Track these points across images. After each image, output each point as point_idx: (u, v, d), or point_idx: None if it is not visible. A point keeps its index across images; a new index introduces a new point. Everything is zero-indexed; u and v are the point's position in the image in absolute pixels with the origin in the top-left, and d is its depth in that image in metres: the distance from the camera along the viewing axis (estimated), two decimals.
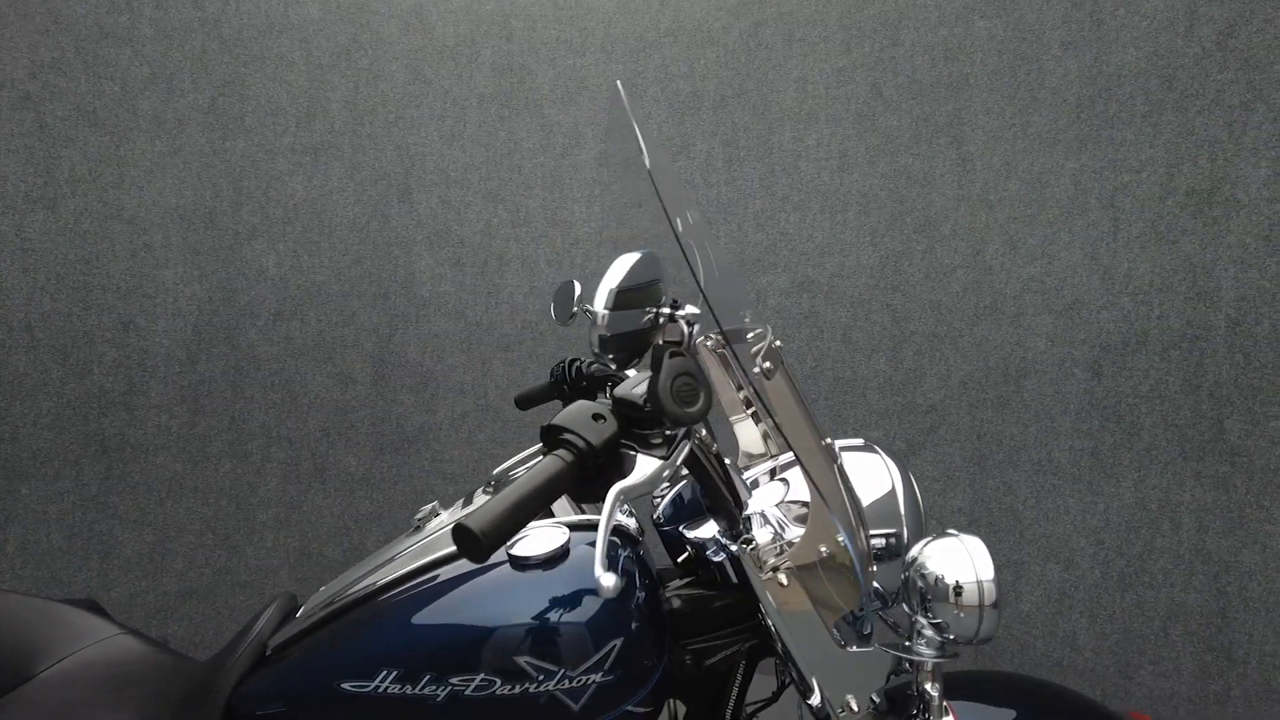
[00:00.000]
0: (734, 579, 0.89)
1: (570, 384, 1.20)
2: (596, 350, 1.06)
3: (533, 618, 0.78)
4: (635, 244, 1.14)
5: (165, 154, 2.07)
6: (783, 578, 0.79)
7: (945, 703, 0.76)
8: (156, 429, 2.08)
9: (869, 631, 0.79)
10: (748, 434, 1.08)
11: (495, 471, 1.05)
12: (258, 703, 0.82)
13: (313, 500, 2.26)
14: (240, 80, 2.16)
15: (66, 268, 1.97)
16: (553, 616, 0.78)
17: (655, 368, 0.71)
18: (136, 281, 2.05)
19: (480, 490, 1.01)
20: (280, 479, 2.22)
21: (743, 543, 0.82)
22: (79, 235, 1.98)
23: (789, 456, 0.92)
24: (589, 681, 0.77)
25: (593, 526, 0.90)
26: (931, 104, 2.01)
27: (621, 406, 0.76)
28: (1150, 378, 1.65)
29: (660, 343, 0.70)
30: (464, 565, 0.84)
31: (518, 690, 0.76)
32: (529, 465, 0.99)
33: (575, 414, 0.75)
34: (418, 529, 0.96)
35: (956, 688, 0.90)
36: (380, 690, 0.77)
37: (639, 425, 0.75)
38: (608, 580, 0.67)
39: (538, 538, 0.84)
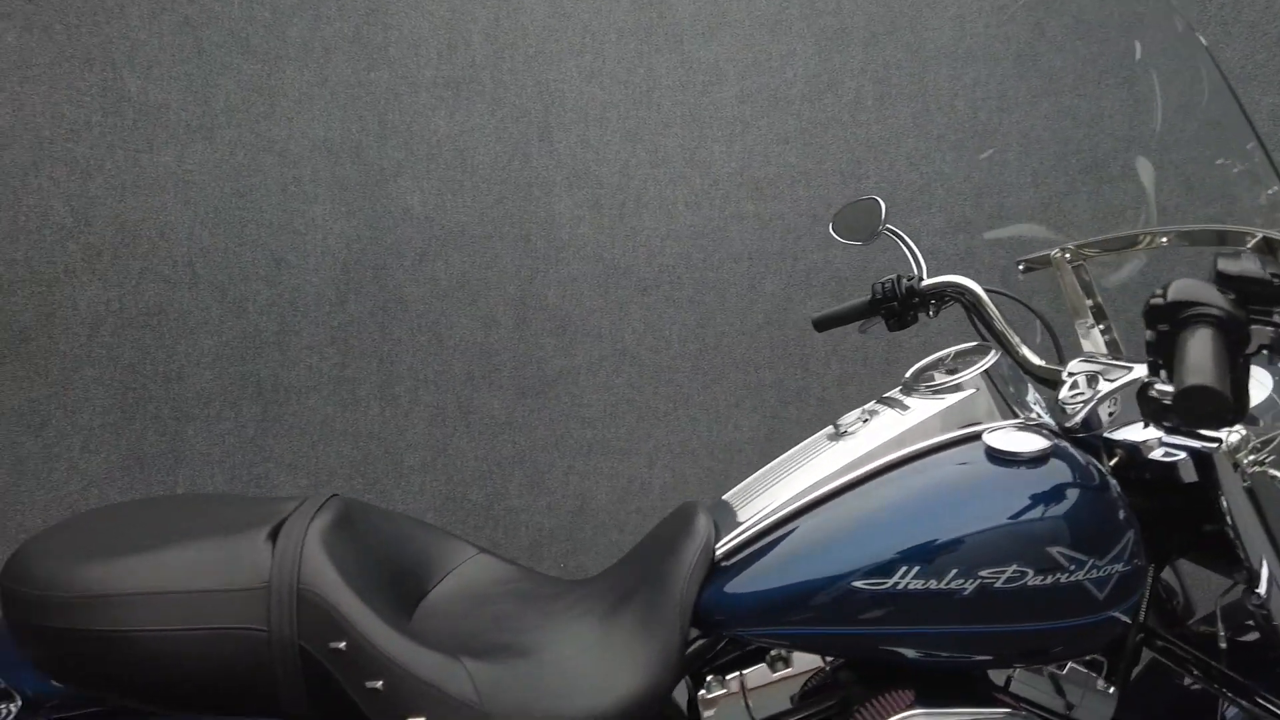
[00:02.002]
0: (1180, 480, 0.88)
1: (901, 300, 1.19)
2: None
3: (1055, 511, 0.78)
4: None
5: (313, 84, 1.99)
6: (1275, 471, 0.80)
7: None
8: (308, 370, 2.03)
9: None
10: (1094, 341, 1.10)
11: (908, 374, 1.04)
12: (725, 610, 0.82)
13: (458, 444, 2.23)
14: (384, 8, 2.07)
15: (223, 201, 1.90)
16: (1073, 509, 0.78)
17: None
18: (287, 217, 1.98)
19: (897, 391, 1.01)
20: (427, 422, 2.19)
21: (1210, 440, 0.82)
22: (234, 168, 1.91)
23: None
24: (1113, 571, 0.77)
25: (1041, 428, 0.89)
26: (1102, 43, 1.99)
27: (1240, 283, 0.73)
28: None
29: None
30: (940, 461, 0.84)
31: (1049, 580, 0.76)
32: (955, 365, 0.99)
33: (1195, 288, 0.73)
34: (842, 434, 0.95)
35: None
36: (900, 586, 0.77)
37: (1255, 300, 0.73)
38: None
39: (1012, 437, 0.84)
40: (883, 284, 1.21)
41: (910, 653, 0.79)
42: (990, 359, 0.96)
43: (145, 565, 0.72)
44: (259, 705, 0.72)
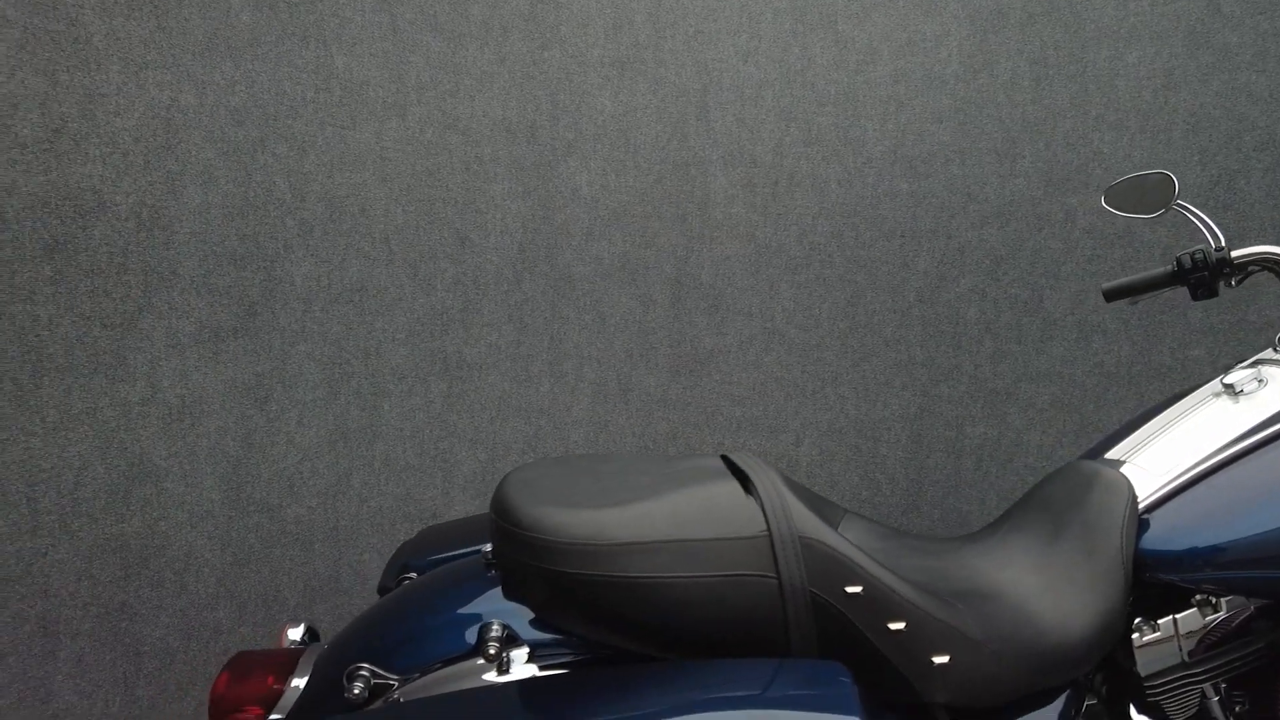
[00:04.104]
0: None
1: (1211, 270, 1.21)
2: None
3: None
4: None
5: (493, 62, 2.01)
6: None
7: None
8: (488, 348, 2.05)
9: None
10: None
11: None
12: (1158, 558, 0.85)
13: (618, 420, 2.25)
14: None
15: (415, 179, 1.91)
16: None
17: None
18: (470, 196, 2.00)
19: (1270, 352, 1.04)
20: (591, 399, 2.21)
21: None
22: (423, 145, 1.92)
23: None
24: None
25: None
26: None
27: None
28: None
29: None
30: None
31: None
32: None
33: None
34: (1238, 392, 0.97)
35: None
36: None
37: None
38: None
39: None
40: (1191, 255, 1.22)
41: None
42: None
43: (656, 515, 0.74)
44: (765, 648, 0.75)
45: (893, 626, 0.74)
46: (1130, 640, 0.89)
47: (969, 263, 2.31)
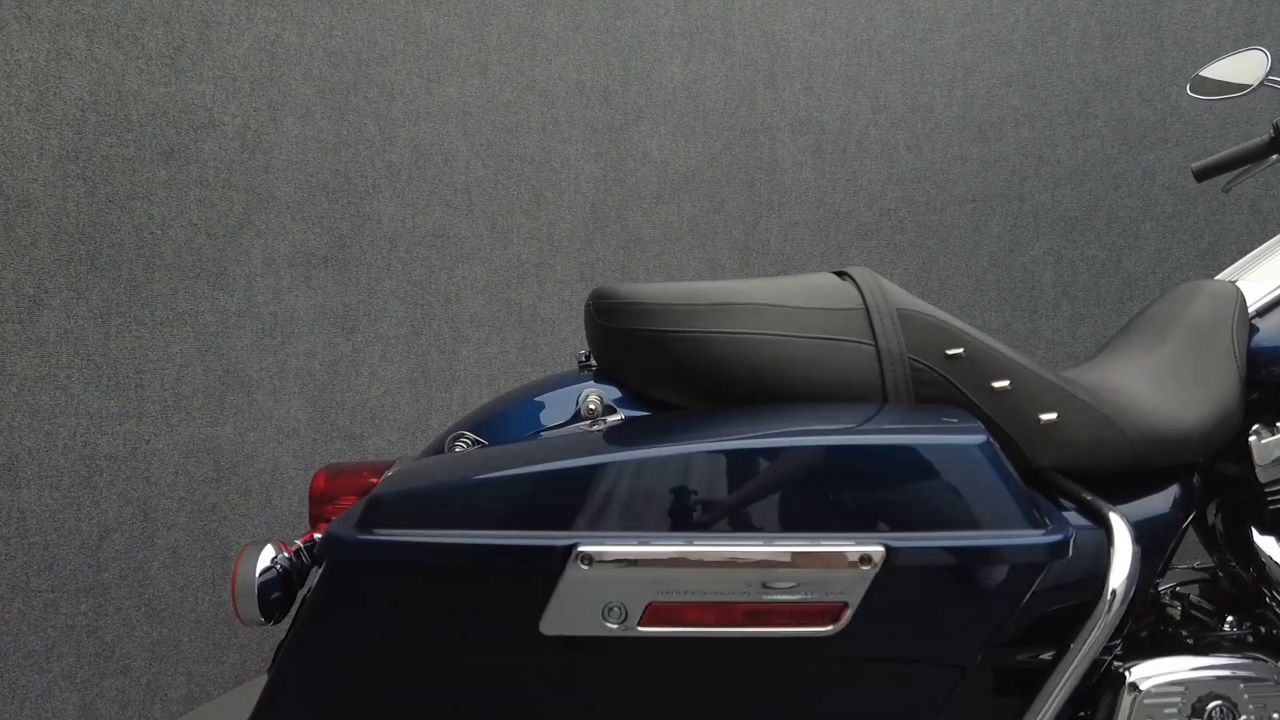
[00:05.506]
0: None
1: None
2: None
3: None
4: None
5: (568, 28, 2.09)
6: None
7: None
8: (560, 304, 2.09)
9: None
10: None
11: None
12: (1271, 356, 0.82)
13: None
14: None
15: (494, 135, 1.99)
16: None
17: None
18: (545, 155, 2.06)
19: None
20: None
21: None
22: (502, 104, 2.00)
23: None
24: None
25: None
26: None
27: None
28: None
29: None
30: None
31: None
32: None
33: None
34: None
35: None
36: None
37: None
38: None
39: None
40: None
41: None
42: None
43: (753, 285, 0.75)
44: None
45: (996, 385, 0.73)
46: (1249, 446, 0.85)
47: (1043, 225, 2.28)
